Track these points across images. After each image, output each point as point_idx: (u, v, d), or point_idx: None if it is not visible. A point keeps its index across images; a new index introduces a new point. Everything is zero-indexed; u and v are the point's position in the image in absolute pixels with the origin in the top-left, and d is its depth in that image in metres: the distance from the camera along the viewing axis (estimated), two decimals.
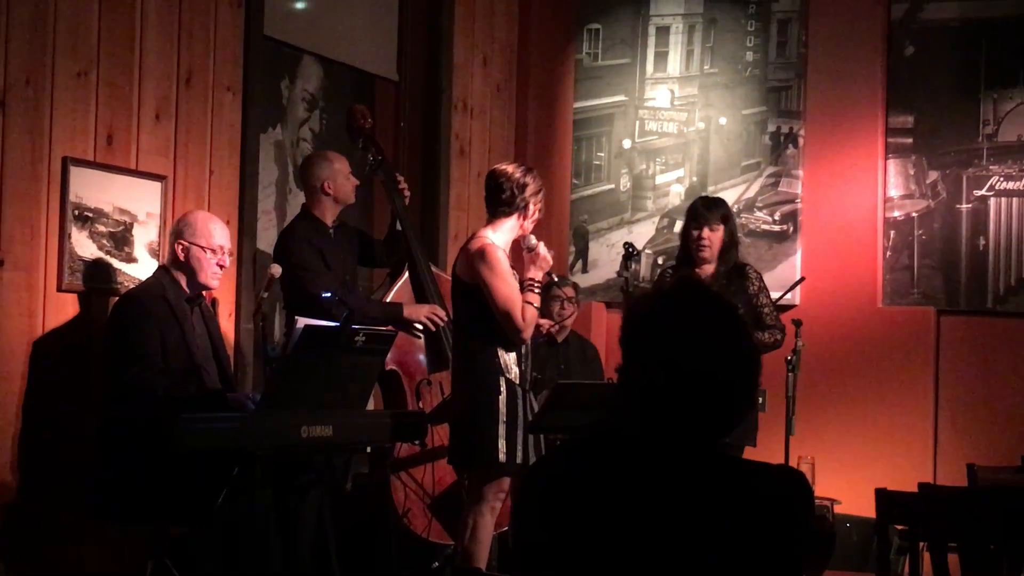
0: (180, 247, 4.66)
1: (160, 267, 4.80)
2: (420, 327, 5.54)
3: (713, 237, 5.49)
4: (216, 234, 4.68)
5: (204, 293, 4.82)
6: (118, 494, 4.31)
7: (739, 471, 2.09)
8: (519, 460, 4.72)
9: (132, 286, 4.85)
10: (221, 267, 4.70)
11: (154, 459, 4.15)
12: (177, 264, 4.68)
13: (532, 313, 4.79)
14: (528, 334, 4.81)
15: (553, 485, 2.14)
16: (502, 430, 4.74)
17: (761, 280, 5.60)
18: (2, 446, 4.59)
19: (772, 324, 5.50)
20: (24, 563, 4.57)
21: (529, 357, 4.89)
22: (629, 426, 2.11)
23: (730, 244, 5.54)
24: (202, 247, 4.64)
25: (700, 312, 2.10)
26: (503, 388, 4.77)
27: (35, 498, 4.65)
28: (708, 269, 5.53)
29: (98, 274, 4.90)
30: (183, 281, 4.68)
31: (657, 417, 2.07)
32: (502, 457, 4.74)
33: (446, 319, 5.53)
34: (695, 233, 5.51)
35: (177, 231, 4.72)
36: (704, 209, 5.55)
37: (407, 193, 5.72)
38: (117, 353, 4.51)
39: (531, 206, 4.88)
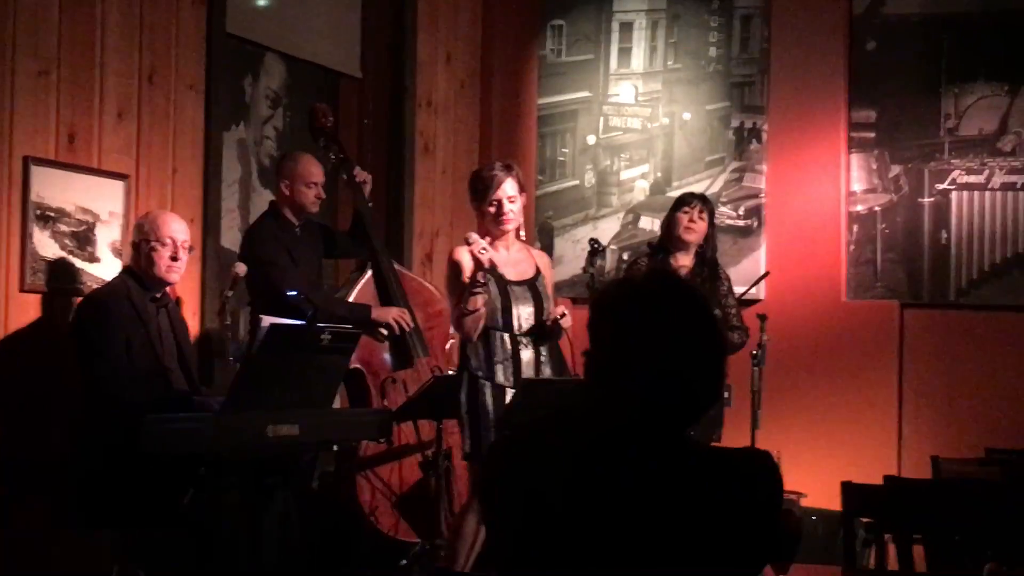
0: (134, 246, 4.65)
1: (124, 268, 4.76)
2: (384, 330, 5.53)
3: (700, 224, 5.61)
4: (167, 226, 4.63)
5: (169, 292, 4.79)
6: (84, 498, 4.29)
7: (707, 455, 2.09)
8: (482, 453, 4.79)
9: (96, 286, 4.82)
10: (175, 259, 4.64)
11: (121, 461, 4.12)
12: (137, 263, 4.66)
13: (456, 316, 4.90)
14: (463, 335, 4.89)
15: (515, 476, 2.12)
16: (466, 420, 4.89)
17: (730, 282, 5.74)
18: None
19: (738, 325, 5.63)
20: None
21: (508, 350, 4.92)
22: (592, 414, 2.09)
23: (710, 240, 5.67)
24: (151, 241, 4.60)
25: (670, 302, 2.09)
26: (464, 381, 4.91)
27: None
28: (685, 262, 5.61)
29: (61, 274, 4.87)
30: (145, 281, 4.64)
31: (622, 405, 2.06)
32: (466, 448, 4.90)
33: (412, 324, 5.54)
34: (685, 216, 5.62)
35: (133, 232, 4.71)
36: (694, 197, 5.74)
37: (368, 187, 5.71)
38: (82, 356, 4.48)
39: (481, 205, 4.94)
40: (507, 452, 2.23)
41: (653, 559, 1.98)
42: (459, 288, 4.89)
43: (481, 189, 4.96)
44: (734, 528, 1.99)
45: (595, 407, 2.10)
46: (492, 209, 4.94)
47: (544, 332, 4.99)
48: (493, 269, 4.85)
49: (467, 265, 4.87)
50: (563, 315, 4.92)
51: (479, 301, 4.82)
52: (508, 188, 4.94)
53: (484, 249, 4.79)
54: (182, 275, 4.76)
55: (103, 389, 4.38)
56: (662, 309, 2.08)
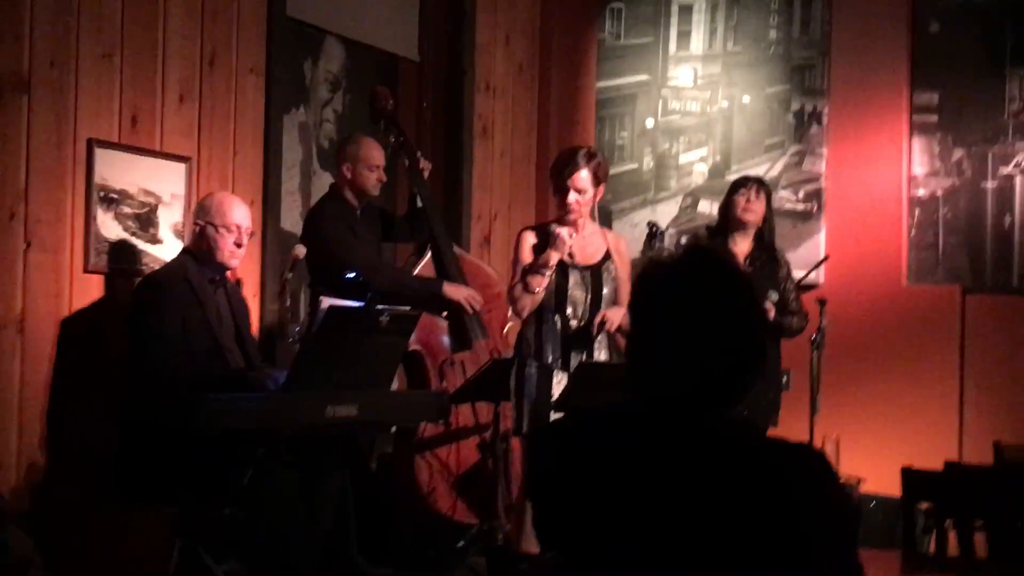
0: (198, 227, 4.68)
1: (183, 249, 4.81)
2: (443, 312, 5.55)
3: (758, 205, 5.57)
4: (232, 213, 4.66)
5: (228, 274, 4.83)
6: (143, 474, 4.34)
7: (752, 445, 2.03)
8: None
9: (157, 267, 4.87)
10: (239, 246, 4.68)
11: (179, 439, 4.17)
12: (198, 245, 4.69)
13: (517, 291, 4.99)
14: (514, 308, 5.03)
15: (562, 461, 2.11)
16: (513, 400, 4.89)
17: (789, 266, 5.70)
18: (31, 427, 4.62)
19: (796, 310, 5.60)
20: (52, 543, 4.59)
21: (557, 332, 4.96)
22: (634, 394, 2.07)
23: (767, 223, 5.64)
24: (217, 226, 4.63)
25: (709, 281, 2.05)
26: (516, 360, 4.91)
27: (62, 478, 4.69)
28: (743, 246, 5.57)
29: (123, 255, 4.92)
30: (205, 262, 4.68)
31: (657, 386, 2.04)
32: (514, 426, 4.91)
33: (481, 304, 5.55)
34: (742, 197, 5.59)
35: (196, 212, 4.74)
36: (750, 179, 5.72)
37: (427, 173, 5.74)
38: (138, 336, 4.53)
39: (555, 186, 4.98)
40: (550, 440, 2.22)
41: (691, 550, 1.95)
42: (518, 265, 4.95)
43: (557, 171, 5.00)
44: (777, 525, 1.92)
45: (633, 391, 2.08)
46: (560, 196, 4.99)
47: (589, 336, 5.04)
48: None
49: (528, 247, 4.97)
50: (602, 323, 4.98)
51: (543, 282, 4.89)
52: (581, 178, 5.00)
53: (569, 243, 4.94)
54: (242, 257, 4.80)
55: (158, 369, 4.43)
56: (697, 289, 2.05)
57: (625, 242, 5.41)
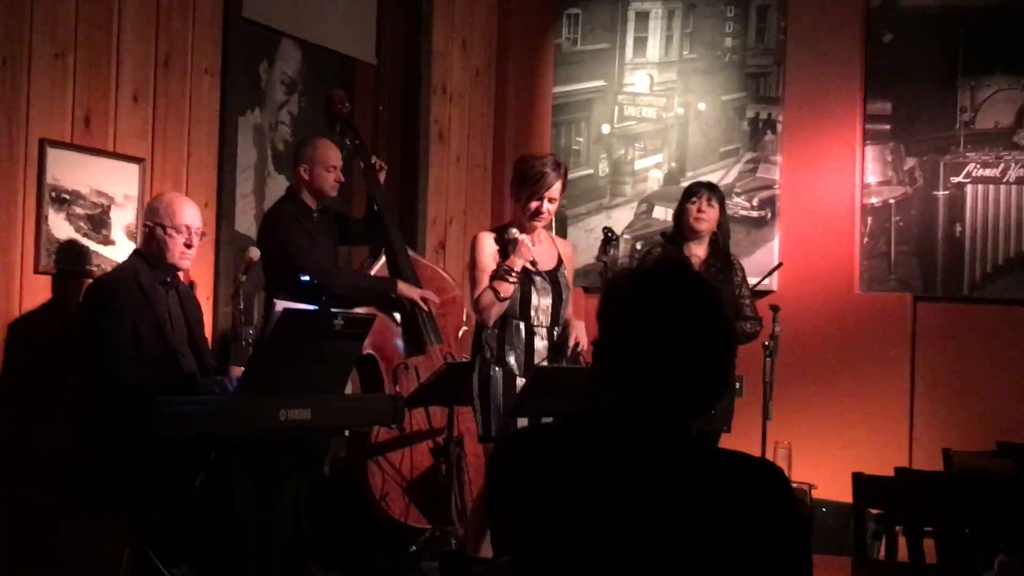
0: (147, 228, 4.65)
1: (134, 251, 4.77)
2: (398, 314, 5.54)
3: (710, 213, 5.58)
4: (182, 213, 4.63)
5: (181, 276, 4.80)
6: (97, 481, 4.30)
7: (714, 460, 2.05)
8: (493, 436, 4.87)
9: (109, 269, 4.83)
10: (189, 247, 4.64)
11: (133, 444, 4.14)
12: (148, 246, 4.66)
13: (487, 297, 4.96)
14: (481, 317, 4.98)
15: (523, 472, 2.12)
16: (477, 404, 4.99)
17: (743, 272, 5.71)
18: None
19: (751, 316, 5.63)
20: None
21: (523, 338, 4.97)
22: (601, 405, 2.08)
23: (722, 229, 5.65)
24: (166, 227, 4.60)
25: (680, 291, 2.07)
26: (477, 365, 5.02)
27: (9, 483, 4.63)
28: (699, 252, 5.59)
29: (75, 256, 4.88)
30: (155, 264, 4.65)
31: (629, 394, 2.05)
32: (480, 432, 5.02)
33: (436, 303, 5.55)
34: (693, 206, 5.61)
35: (146, 213, 4.72)
36: (701, 186, 5.74)
37: (383, 176, 5.73)
38: (88, 340, 4.49)
39: (522, 194, 4.98)
40: (512, 448, 2.23)
41: (652, 560, 1.96)
42: (481, 271, 4.96)
43: (527, 182, 5.01)
44: (736, 540, 1.94)
45: (601, 399, 2.09)
46: (533, 206, 5.01)
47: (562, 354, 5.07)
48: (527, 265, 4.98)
49: (490, 251, 4.97)
50: (577, 344, 5.03)
51: (511, 289, 4.91)
52: (555, 189, 5.02)
53: (530, 249, 4.98)
54: (195, 259, 4.77)
55: (109, 373, 4.40)
56: (669, 299, 2.06)
57: (570, 249, 5.45)
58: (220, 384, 4.51)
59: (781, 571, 1.96)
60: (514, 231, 5.01)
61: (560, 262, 5.17)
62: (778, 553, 1.96)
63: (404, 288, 5.49)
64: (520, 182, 5.04)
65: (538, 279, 5.06)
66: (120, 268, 4.69)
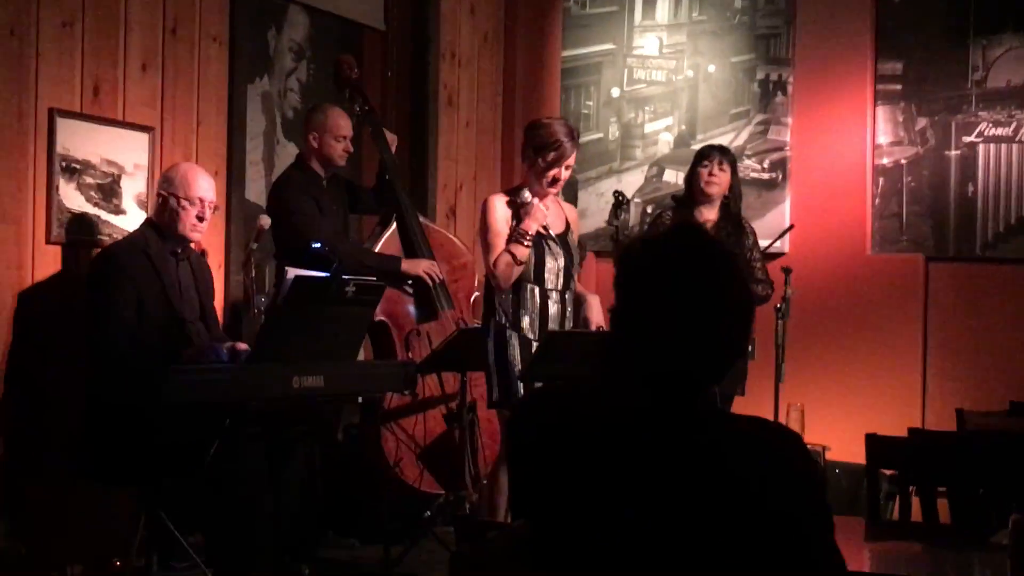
0: (161, 198, 4.65)
1: (146, 220, 4.77)
2: (409, 283, 5.54)
3: (722, 176, 5.56)
4: (196, 185, 4.63)
5: (192, 245, 4.80)
6: (108, 449, 4.31)
7: (731, 426, 2.05)
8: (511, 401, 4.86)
9: (120, 238, 4.83)
10: (201, 219, 4.64)
11: (144, 412, 4.15)
12: (160, 216, 4.66)
13: (504, 261, 4.91)
14: (498, 281, 4.94)
15: (541, 435, 2.12)
16: (493, 369, 4.98)
17: (755, 235, 5.68)
18: None
19: (762, 279, 5.60)
20: (12, 519, 4.58)
21: (536, 303, 4.97)
22: (619, 371, 2.08)
23: (733, 192, 5.62)
24: (180, 198, 4.60)
25: (698, 257, 2.06)
26: (491, 330, 4.99)
27: (20, 452, 4.65)
28: (710, 216, 5.58)
29: (86, 226, 4.88)
30: (167, 234, 4.65)
31: (648, 362, 2.04)
32: (494, 397, 4.98)
33: (441, 276, 5.55)
34: (705, 169, 5.58)
35: (160, 182, 4.71)
36: (713, 149, 5.69)
37: (393, 147, 5.71)
38: (92, 310, 4.50)
39: (539, 161, 4.96)
40: (534, 408, 2.24)
41: (671, 524, 1.97)
42: (495, 235, 4.94)
43: (543, 150, 4.97)
44: (757, 499, 1.94)
45: (618, 366, 2.09)
46: (550, 175, 4.98)
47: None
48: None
49: (502, 215, 4.95)
50: (600, 328, 5.05)
51: (527, 253, 4.91)
52: (571, 159, 5.02)
53: (544, 213, 4.97)
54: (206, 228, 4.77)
55: (111, 344, 4.40)
56: (686, 265, 2.05)
57: (576, 213, 5.45)
58: (213, 351, 4.50)
59: (802, 530, 1.96)
60: (526, 194, 4.99)
61: (567, 226, 5.17)
62: (799, 512, 1.96)
63: (407, 266, 5.49)
64: (536, 150, 5.01)
65: (551, 243, 5.06)
66: (130, 238, 4.69)
